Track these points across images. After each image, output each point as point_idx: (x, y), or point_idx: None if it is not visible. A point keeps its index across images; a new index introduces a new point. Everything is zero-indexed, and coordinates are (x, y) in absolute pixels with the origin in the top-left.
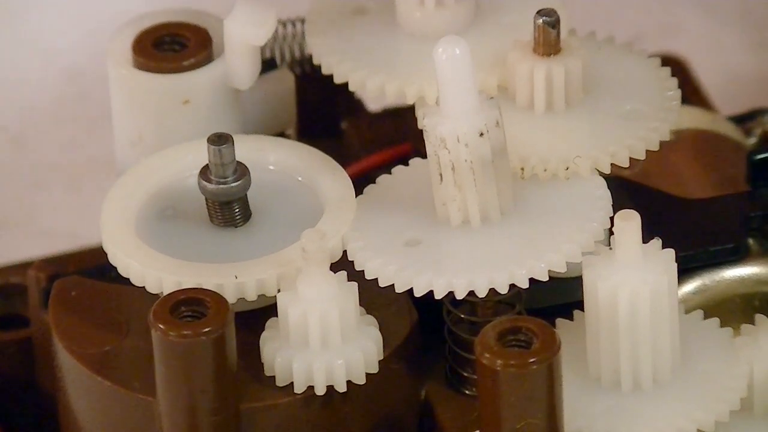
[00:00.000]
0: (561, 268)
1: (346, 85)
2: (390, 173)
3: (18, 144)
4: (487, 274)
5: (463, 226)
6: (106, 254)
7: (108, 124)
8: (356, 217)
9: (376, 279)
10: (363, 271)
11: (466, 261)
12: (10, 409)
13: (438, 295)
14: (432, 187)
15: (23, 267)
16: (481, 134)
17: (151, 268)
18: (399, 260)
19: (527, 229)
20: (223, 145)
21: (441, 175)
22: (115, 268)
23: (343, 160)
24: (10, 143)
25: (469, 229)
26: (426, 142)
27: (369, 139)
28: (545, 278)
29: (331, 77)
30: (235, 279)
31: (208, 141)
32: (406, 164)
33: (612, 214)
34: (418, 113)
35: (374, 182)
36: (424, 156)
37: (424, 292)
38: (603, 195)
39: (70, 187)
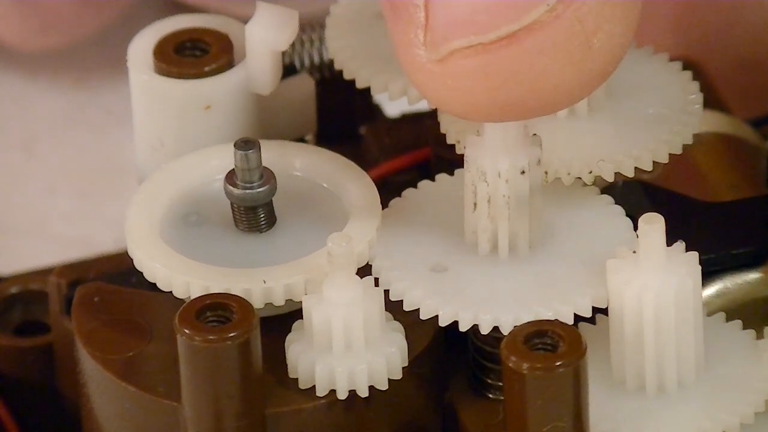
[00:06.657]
0: (586, 313)
1: (365, 90)
2: (415, 187)
3: (29, 150)
4: (513, 312)
5: (490, 256)
6: (127, 260)
7: (118, 130)
8: (382, 232)
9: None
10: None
11: (492, 295)
12: (31, 415)
13: (462, 328)
14: (464, 213)
15: (43, 274)
16: (523, 172)
17: (179, 273)
18: (425, 286)
19: (554, 267)
20: (250, 150)
21: (475, 204)
22: (137, 273)
23: (362, 165)
24: (20, 150)
25: (497, 259)
26: (465, 170)
27: (388, 145)
28: (571, 322)
29: (350, 82)
30: (263, 284)
31: (234, 146)
32: (426, 170)
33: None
34: (440, 118)
35: (396, 191)
36: (443, 160)
37: (449, 323)
38: (628, 229)
39: (82, 194)
